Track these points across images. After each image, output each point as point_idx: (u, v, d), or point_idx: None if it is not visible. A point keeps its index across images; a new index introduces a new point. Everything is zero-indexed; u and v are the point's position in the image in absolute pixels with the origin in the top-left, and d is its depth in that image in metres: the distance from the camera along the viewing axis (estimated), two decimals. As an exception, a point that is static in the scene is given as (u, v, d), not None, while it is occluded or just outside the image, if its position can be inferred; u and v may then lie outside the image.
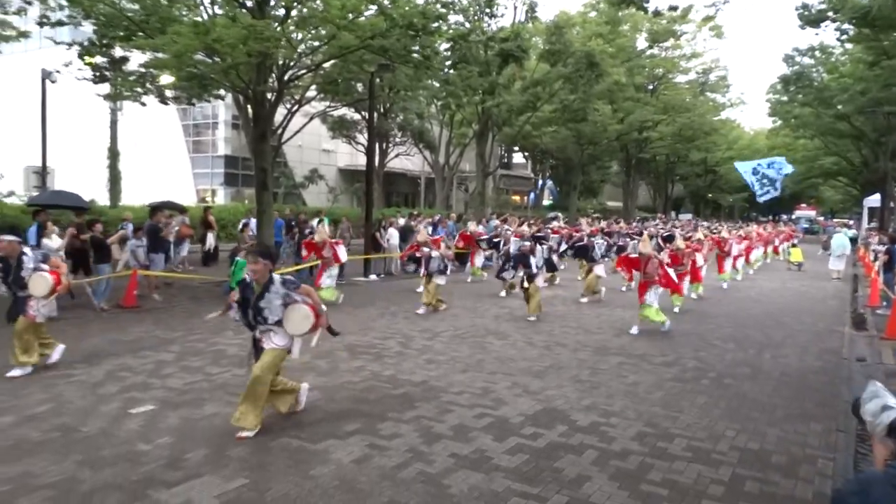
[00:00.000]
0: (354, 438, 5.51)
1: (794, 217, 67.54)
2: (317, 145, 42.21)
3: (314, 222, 16.80)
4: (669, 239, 18.07)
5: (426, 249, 12.42)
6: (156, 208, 14.14)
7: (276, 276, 5.72)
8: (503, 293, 14.30)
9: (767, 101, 45.08)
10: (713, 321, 12.11)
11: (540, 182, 53.14)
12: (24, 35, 15.84)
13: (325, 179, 32.07)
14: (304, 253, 13.66)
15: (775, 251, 28.04)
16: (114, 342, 8.99)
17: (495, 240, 16.89)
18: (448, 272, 12.78)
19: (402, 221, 19.51)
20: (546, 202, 55.58)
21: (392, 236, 18.06)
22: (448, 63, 24.31)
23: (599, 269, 14.29)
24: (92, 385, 6.85)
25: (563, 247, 17.02)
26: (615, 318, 11.75)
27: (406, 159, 40.21)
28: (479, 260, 17.51)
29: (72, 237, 11.69)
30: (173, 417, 5.94)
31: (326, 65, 16.15)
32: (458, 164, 37.47)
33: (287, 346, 5.73)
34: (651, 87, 45.51)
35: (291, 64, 15.24)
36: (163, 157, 39.99)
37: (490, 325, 10.80)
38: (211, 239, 17.94)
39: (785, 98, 38.77)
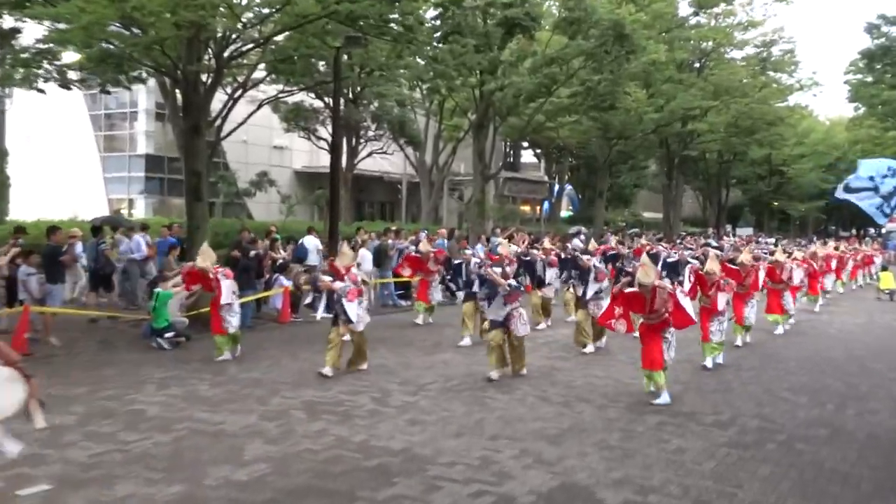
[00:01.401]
0: (313, 526, 5.49)
1: (884, 231, 68.13)
2: (267, 141, 42.34)
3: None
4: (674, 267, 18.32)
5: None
6: (54, 227, 14.10)
7: None
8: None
9: (847, 84, 45.80)
10: (780, 367, 12.16)
11: (556, 188, 53.44)
12: None
13: (276, 185, 32.03)
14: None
15: (852, 276, 28.15)
16: (-2, 401, 8.90)
17: (456, 262, 16.01)
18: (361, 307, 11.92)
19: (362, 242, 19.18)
20: (564, 213, 55.83)
21: (364, 259, 18.07)
22: (436, 35, 24.54)
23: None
24: (-32, 458, 6.78)
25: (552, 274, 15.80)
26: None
27: (383, 159, 40.29)
28: (437, 293, 16.51)
29: None
30: (75, 501, 5.88)
31: (279, 38, 16.27)
32: (450, 164, 37.61)
33: None
34: (697, 64, 46.04)
35: (233, 37, 15.35)
36: (65, 157, 40.02)
37: (489, 374, 10.79)
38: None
39: (869, 78, 39.41)
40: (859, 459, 7.41)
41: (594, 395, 9.81)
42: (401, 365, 11.63)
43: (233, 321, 11.77)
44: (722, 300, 11.76)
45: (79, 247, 15.93)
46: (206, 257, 11.92)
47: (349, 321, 10.73)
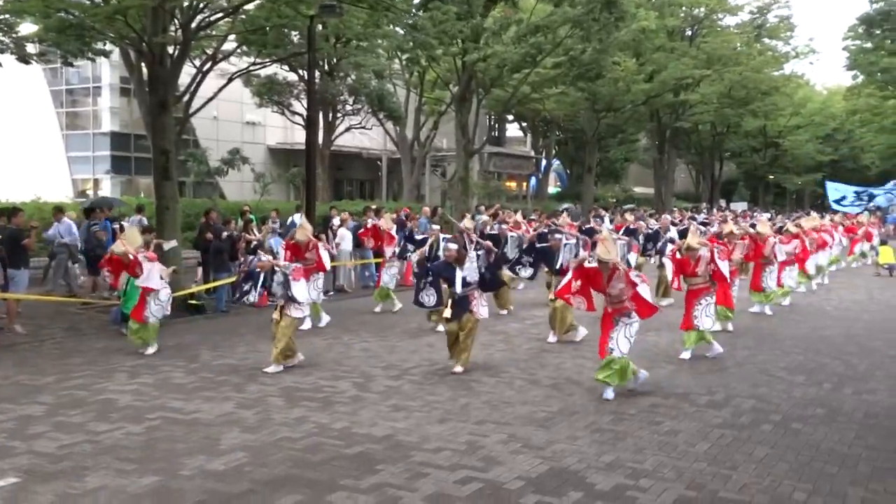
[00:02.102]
0: (294, 516, 5.52)
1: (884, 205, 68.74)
2: (238, 117, 42.06)
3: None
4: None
5: None
6: (16, 209, 13.97)
7: None
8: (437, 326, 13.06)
9: (845, 50, 45.98)
10: (776, 346, 12.29)
11: (544, 163, 53.47)
12: None
13: (250, 163, 31.89)
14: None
15: (850, 252, 28.31)
16: (-40, 392, 8.88)
17: (419, 237, 15.46)
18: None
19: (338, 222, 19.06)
20: (552, 189, 55.98)
21: (343, 238, 18.06)
22: (416, 3, 24.43)
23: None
24: (-70, 452, 6.77)
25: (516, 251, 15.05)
26: (647, 346, 11.85)
27: (361, 134, 40.14)
28: (387, 276, 15.63)
29: None
30: (44, 494, 5.88)
31: (249, 6, 16.13)
32: (432, 139, 37.61)
33: None
34: (689, 32, 46.11)
35: (201, 6, 15.21)
36: (25, 136, 39.58)
37: (478, 356, 10.85)
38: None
39: (868, 45, 39.55)
40: (857, 439, 7.52)
41: (584, 377, 9.86)
42: (384, 348, 11.67)
43: (155, 311, 11.25)
44: (724, 268, 11.42)
45: (74, 229, 15.96)
46: (128, 241, 11.32)
47: (294, 301, 10.35)
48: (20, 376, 9.68)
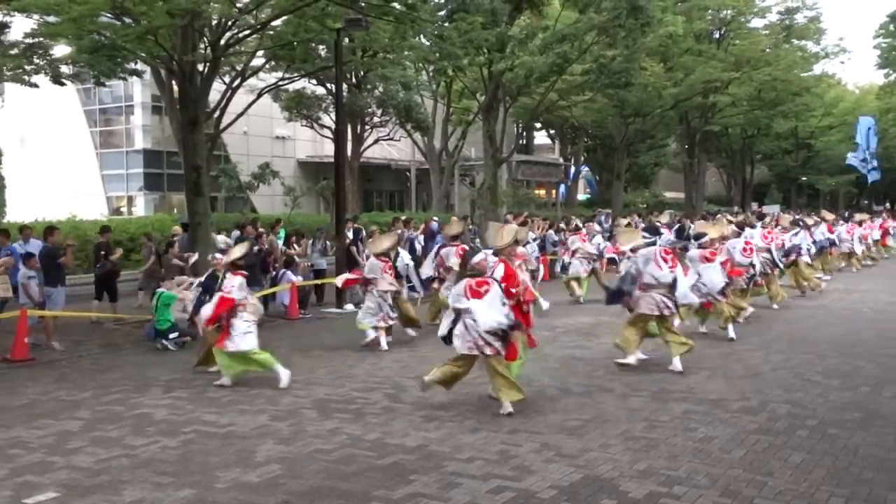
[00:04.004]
0: (328, 527, 5.55)
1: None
2: (268, 132, 42.52)
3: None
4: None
5: None
6: (52, 227, 14.23)
7: None
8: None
9: (876, 48, 45.40)
10: (811, 350, 12.13)
11: (573, 170, 53.33)
12: None
13: (280, 177, 32.23)
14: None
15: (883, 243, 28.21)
16: (0, 408, 9.04)
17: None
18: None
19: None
20: (582, 196, 55.79)
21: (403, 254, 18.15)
22: (441, 14, 24.52)
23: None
24: (-28, 468, 6.90)
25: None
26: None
27: (390, 146, 40.46)
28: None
29: None
30: (83, 508, 5.96)
31: (276, 22, 16.33)
32: (461, 149, 37.68)
33: None
34: (717, 35, 45.75)
35: (229, 24, 15.41)
36: (61, 155, 40.30)
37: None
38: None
39: (900, 42, 38.98)
40: (896, 443, 7.42)
41: (616, 384, 9.82)
42: (416, 360, 11.68)
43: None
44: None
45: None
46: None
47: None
48: (59, 392, 9.84)
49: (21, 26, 15.96)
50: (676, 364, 10.47)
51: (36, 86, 17.35)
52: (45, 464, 6.99)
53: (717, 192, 66.90)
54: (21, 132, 36.44)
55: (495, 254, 9.27)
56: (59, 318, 13.41)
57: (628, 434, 7.71)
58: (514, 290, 8.73)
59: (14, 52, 16.25)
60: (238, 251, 10.75)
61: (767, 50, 44.82)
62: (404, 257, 13.87)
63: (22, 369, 11.31)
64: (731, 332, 12.77)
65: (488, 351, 8.43)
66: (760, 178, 69.41)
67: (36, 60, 16.53)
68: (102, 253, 15.21)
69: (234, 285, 10.03)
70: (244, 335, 9.89)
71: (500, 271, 8.78)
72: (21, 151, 37.77)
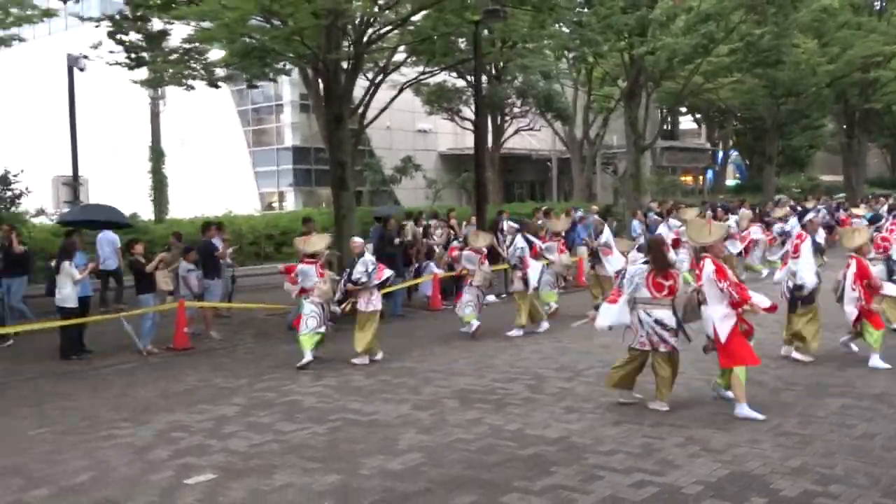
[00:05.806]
0: (469, 516, 5.60)
1: None
2: (410, 126, 43.24)
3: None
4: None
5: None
6: (208, 224, 15.01)
7: None
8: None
9: None
10: None
11: (720, 155, 51.52)
12: (48, 14, 17.38)
13: (422, 170, 32.75)
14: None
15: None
16: (164, 394, 9.63)
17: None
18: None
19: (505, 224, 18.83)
20: (731, 182, 53.79)
21: (518, 241, 18.08)
22: (579, 0, 24.16)
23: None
24: (139, 448, 7.39)
25: None
26: (836, 346, 11.14)
27: (530, 136, 40.28)
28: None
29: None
30: (237, 490, 6.27)
31: (416, 17, 16.56)
32: (602, 137, 37.07)
33: None
34: (878, 6, 42.97)
35: (371, 21, 15.75)
36: (217, 155, 42.37)
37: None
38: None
39: None
40: None
41: (767, 377, 9.42)
42: (556, 350, 11.63)
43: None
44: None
45: None
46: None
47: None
48: (217, 379, 10.39)
49: (179, 33, 16.91)
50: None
51: (192, 88, 18.31)
52: (204, 447, 7.40)
53: (881, 174, 62.79)
54: (181, 134, 38.53)
55: (702, 250, 8.69)
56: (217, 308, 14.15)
57: (780, 429, 7.39)
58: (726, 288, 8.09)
59: (173, 57, 17.23)
60: (320, 243, 11.62)
61: (936, 19, 41.68)
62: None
63: (183, 357, 12.03)
64: None
65: (662, 348, 8.29)
66: (929, 157, 64.70)
67: (193, 65, 17.46)
68: None
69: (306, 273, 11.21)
70: (306, 319, 11.01)
71: (709, 268, 8.35)
72: (181, 152, 39.95)
